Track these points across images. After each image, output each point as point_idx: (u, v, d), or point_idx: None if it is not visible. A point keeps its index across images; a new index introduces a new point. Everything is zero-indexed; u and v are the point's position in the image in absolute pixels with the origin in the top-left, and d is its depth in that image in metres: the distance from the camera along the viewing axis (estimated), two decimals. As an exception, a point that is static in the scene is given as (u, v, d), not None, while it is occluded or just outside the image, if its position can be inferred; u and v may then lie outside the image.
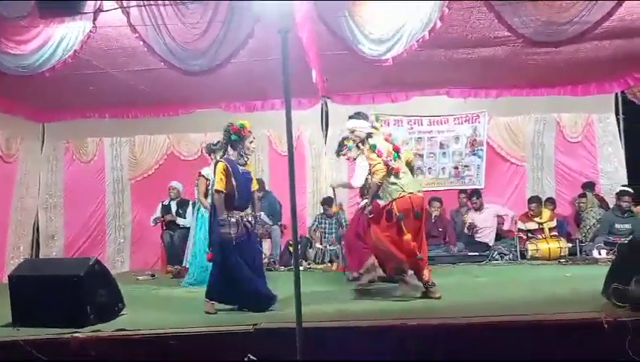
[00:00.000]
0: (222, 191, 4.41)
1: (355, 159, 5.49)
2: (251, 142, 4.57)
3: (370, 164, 4.71)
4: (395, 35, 4.85)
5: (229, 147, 4.57)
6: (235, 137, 4.51)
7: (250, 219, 4.51)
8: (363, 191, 5.51)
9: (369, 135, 4.76)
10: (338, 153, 5.90)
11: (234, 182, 4.44)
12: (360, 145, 4.91)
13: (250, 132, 4.56)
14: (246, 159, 4.59)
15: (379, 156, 4.62)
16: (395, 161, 4.67)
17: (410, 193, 4.62)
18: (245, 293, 4.45)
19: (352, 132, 4.86)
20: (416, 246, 4.58)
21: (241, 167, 4.53)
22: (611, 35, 5.40)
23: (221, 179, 4.41)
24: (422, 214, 4.72)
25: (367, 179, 5.07)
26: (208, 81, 5.64)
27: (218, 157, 4.87)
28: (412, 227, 4.60)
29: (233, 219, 4.39)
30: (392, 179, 4.64)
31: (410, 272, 4.67)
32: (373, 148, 4.66)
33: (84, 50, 5.00)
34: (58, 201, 8.34)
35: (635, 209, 7.25)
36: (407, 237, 4.53)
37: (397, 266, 4.66)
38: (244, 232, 4.43)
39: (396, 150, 4.75)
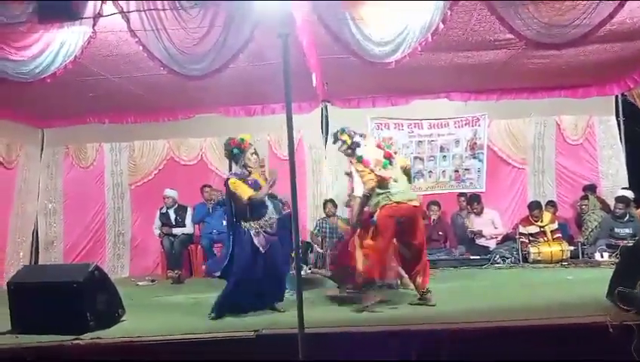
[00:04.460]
0: (253, 197, 4.42)
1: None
2: (252, 153, 4.61)
3: (360, 176, 4.60)
4: (396, 38, 4.83)
5: (232, 162, 4.65)
6: (237, 151, 4.58)
7: (271, 226, 4.53)
8: (348, 202, 5.42)
9: (356, 145, 4.65)
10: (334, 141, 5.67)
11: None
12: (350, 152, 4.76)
13: (250, 144, 4.62)
14: (249, 171, 4.59)
15: (366, 166, 4.54)
16: (384, 168, 4.56)
17: (397, 202, 4.48)
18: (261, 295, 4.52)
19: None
20: (391, 257, 4.54)
21: (247, 179, 4.56)
22: (612, 38, 5.40)
23: (242, 189, 4.44)
24: (410, 224, 4.53)
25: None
26: (208, 85, 5.63)
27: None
28: (397, 236, 4.50)
29: (253, 231, 4.46)
30: (379, 189, 4.51)
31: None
32: (359, 160, 4.60)
33: (85, 55, 4.98)
34: (58, 207, 8.31)
35: (635, 212, 7.24)
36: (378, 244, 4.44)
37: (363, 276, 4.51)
38: (264, 242, 4.48)
39: (387, 157, 4.63)
